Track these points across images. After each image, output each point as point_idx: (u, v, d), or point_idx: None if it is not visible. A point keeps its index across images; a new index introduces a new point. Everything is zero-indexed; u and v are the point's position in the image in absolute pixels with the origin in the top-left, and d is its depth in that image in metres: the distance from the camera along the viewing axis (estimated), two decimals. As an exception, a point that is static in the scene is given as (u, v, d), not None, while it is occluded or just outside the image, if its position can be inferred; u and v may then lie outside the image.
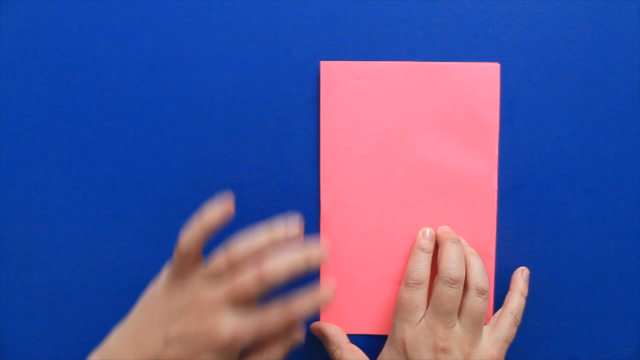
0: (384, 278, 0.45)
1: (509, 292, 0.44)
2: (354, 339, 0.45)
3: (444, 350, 0.39)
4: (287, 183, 0.45)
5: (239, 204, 0.45)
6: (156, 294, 0.40)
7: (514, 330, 0.42)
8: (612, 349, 0.46)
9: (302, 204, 0.45)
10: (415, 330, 0.40)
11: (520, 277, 0.44)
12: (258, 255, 0.38)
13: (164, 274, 0.40)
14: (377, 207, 0.45)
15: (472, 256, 0.42)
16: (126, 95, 0.45)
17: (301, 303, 0.38)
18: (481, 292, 0.41)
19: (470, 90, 0.44)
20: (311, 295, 0.39)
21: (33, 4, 0.44)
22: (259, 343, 0.39)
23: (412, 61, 0.44)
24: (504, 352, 0.41)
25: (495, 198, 0.44)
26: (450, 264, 0.41)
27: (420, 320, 0.40)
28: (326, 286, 0.40)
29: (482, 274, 0.41)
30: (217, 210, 0.38)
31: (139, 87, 0.45)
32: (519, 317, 0.42)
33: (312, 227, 0.45)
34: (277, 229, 0.38)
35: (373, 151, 0.44)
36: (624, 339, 0.46)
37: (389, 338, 0.42)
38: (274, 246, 0.38)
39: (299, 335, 0.40)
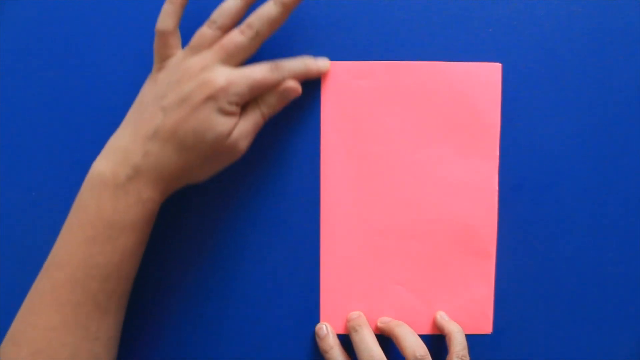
0: (384, 278, 0.45)
1: (447, 337, 0.43)
2: (354, 339, 0.45)
3: None
4: (287, 183, 0.45)
5: (238, 204, 0.45)
6: (145, 86, 0.40)
7: None
8: (612, 349, 0.46)
9: (302, 204, 0.45)
10: None
11: (443, 320, 0.44)
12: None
13: (151, 72, 0.41)
14: (377, 207, 0.45)
15: (398, 328, 0.42)
16: (126, 95, 0.44)
17: (292, 62, 0.41)
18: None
19: (472, 91, 0.44)
20: (305, 59, 0.42)
21: (33, 4, 0.44)
22: (256, 99, 0.40)
23: (413, 61, 0.44)
24: None
25: (496, 198, 0.44)
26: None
27: None
28: (322, 60, 0.43)
29: (417, 341, 0.41)
30: None
31: (138, 87, 0.44)
32: (465, 357, 0.41)
33: (312, 227, 0.45)
34: None
35: (373, 151, 0.44)
36: (624, 339, 0.46)
37: None
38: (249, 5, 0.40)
39: (293, 84, 0.41)
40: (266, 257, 0.45)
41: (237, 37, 0.39)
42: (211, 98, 0.37)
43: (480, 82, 0.44)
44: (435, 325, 0.44)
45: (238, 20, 0.40)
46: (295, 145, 0.45)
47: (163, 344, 0.45)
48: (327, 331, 0.44)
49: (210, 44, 0.39)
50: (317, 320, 0.45)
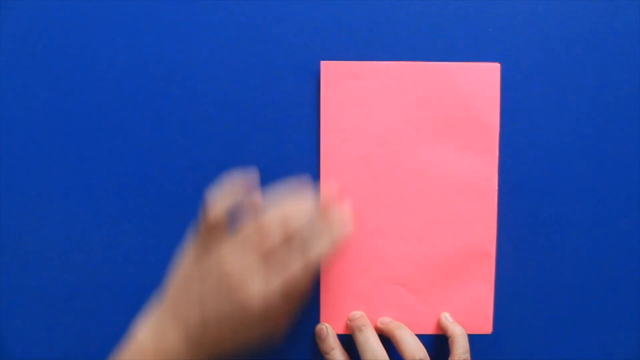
0: (384, 278, 0.45)
1: (449, 340, 0.43)
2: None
3: None
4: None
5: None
6: (187, 271, 0.39)
7: None
8: (612, 349, 0.46)
9: (302, 204, 0.45)
10: None
11: (447, 321, 0.44)
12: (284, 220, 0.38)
13: (191, 249, 0.39)
14: (377, 207, 0.45)
15: (398, 330, 0.42)
16: (126, 95, 0.45)
17: (320, 248, 0.37)
18: None
19: (471, 91, 0.44)
20: (328, 234, 0.38)
21: (33, 4, 0.44)
22: None
23: (413, 61, 0.44)
24: None
25: (496, 198, 0.44)
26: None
27: None
28: (343, 219, 0.39)
29: (417, 344, 0.41)
30: (241, 179, 0.39)
31: (139, 87, 0.44)
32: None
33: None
34: (300, 193, 0.39)
35: (373, 151, 0.44)
36: (624, 339, 0.46)
37: None
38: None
39: None
40: (266, 257, 0.45)
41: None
42: (250, 322, 0.37)
43: (480, 82, 0.44)
44: (439, 326, 0.44)
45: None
46: (295, 145, 0.45)
47: (163, 345, 0.45)
48: (327, 332, 0.44)
49: (253, 242, 0.38)
50: (317, 321, 0.45)
